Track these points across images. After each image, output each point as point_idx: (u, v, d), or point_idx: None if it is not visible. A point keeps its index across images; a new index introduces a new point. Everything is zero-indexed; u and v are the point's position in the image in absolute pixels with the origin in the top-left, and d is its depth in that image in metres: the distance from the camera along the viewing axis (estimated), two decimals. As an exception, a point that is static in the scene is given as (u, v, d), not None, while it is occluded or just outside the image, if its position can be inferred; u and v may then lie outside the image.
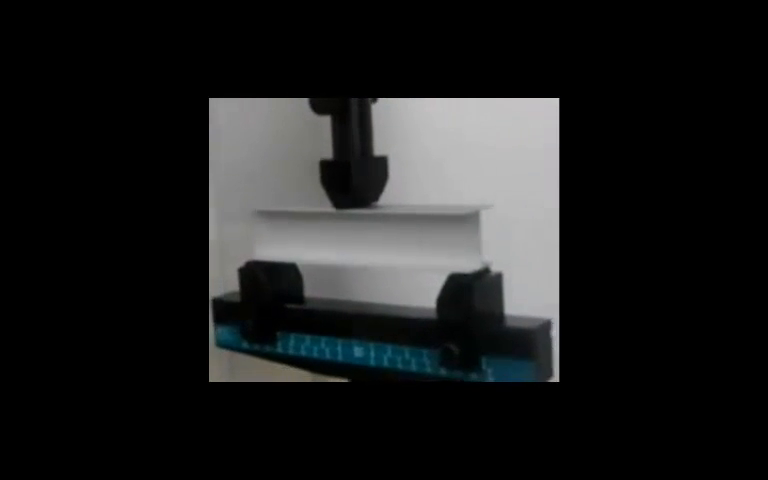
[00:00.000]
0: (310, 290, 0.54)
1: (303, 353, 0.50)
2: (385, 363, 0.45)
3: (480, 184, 0.57)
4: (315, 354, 0.49)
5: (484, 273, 0.42)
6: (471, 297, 0.41)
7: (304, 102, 0.47)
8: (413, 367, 0.44)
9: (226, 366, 0.66)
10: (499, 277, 0.42)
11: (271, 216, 0.53)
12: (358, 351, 0.46)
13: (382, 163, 0.49)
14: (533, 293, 0.44)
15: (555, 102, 0.42)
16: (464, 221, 0.41)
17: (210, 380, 0.55)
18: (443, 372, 0.42)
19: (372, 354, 0.46)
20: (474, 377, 0.41)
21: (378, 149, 0.49)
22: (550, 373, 0.40)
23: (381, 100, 0.51)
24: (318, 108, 0.46)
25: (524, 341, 0.40)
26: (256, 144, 0.69)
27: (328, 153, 0.48)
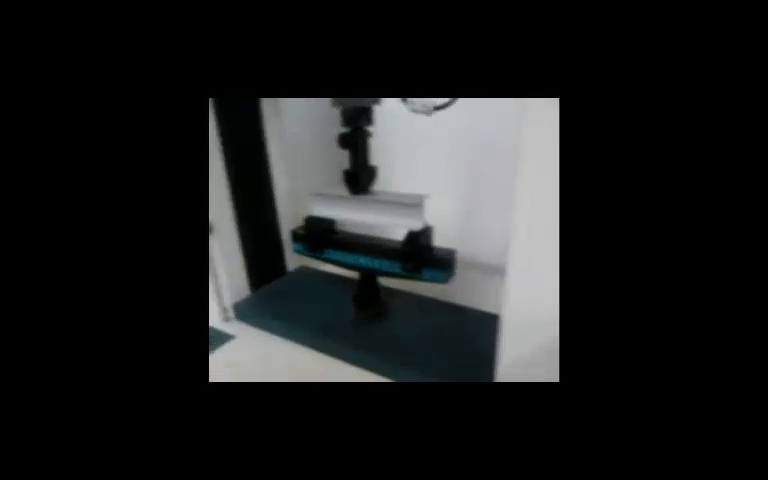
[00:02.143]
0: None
1: (335, 258, 0.76)
2: (375, 266, 0.72)
3: (424, 182, 0.83)
4: (340, 259, 0.76)
5: (425, 228, 0.66)
6: (418, 239, 0.66)
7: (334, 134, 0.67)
8: (389, 269, 0.71)
9: (298, 261, 0.90)
10: (431, 229, 0.68)
11: (319, 195, 0.74)
12: (362, 260, 0.74)
13: (373, 169, 0.70)
14: (447, 236, 0.71)
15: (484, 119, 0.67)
16: (416, 203, 0.66)
17: (287, 262, 0.79)
18: (403, 273, 0.70)
19: (369, 262, 0.73)
20: (418, 277, 0.68)
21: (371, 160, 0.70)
22: (453, 275, 0.67)
23: (375, 134, 0.68)
24: (342, 144, 0.67)
25: (442, 259, 0.65)
26: (312, 158, 0.94)
27: (347, 164, 0.69)
